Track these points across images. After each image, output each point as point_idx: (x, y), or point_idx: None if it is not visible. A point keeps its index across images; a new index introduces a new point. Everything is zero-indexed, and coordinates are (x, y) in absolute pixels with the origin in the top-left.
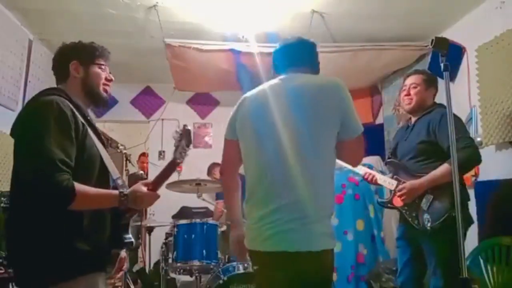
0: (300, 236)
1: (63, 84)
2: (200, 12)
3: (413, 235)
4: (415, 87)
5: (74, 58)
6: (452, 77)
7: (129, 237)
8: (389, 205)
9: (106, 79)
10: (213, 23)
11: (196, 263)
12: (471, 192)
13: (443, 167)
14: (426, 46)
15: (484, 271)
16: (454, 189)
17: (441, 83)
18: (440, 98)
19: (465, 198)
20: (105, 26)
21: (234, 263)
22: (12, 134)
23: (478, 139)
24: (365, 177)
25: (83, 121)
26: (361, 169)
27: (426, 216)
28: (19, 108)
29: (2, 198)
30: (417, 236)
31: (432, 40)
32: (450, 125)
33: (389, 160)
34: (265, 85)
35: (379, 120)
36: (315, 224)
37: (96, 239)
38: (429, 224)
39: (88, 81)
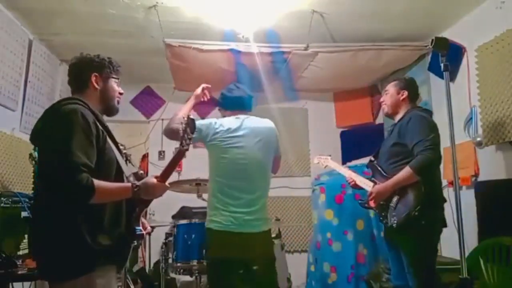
0: None
1: (80, 94)
2: (200, 12)
3: (390, 234)
4: (386, 93)
5: (95, 71)
6: (452, 77)
7: (140, 229)
8: (366, 205)
9: (119, 92)
10: (213, 23)
11: (196, 263)
12: (471, 192)
13: (404, 170)
14: (426, 46)
15: (484, 271)
16: (454, 189)
17: (441, 83)
18: (440, 98)
19: (436, 199)
20: (105, 26)
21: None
22: (35, 139)
23: (478, 139)
24: (348, 181)
25: (102, 128)
26: (346, 172)
27: (393, 215)
28: (19, 108)
29: (2, 198)
30: (392, 235)
31: (432, 40)
32: (450, 125)
33: (369, 162)
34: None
35: (379, 120)
36: None
37: (116, 234)
38: (394, 223)
39: (106, 94)
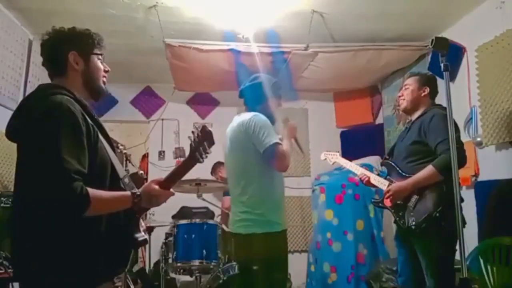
0: None
1: (60, 78)
2: (200, 12)
3: (405, 235)
4: (407, 88)
5: (73, 48)
6: (452, 77)
7: (141, 235)
8: (380, 204)
9: (104, 70)
10: (213, 23)
11: (196, 263)
12: (471, 192)
13: (427, 169)
14: (426, 46)
15: (484, 271)
16: (455, 189)
17: (441, 83)
18: (440, 98)
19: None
20: (105, 26)
21: (234, 263)
22: (15, 135)
23: (478, 139)
24: (361, 178)
25: (92, 123)
26: (358, 170)
27: (411, 215)
28: None
29: (2, 198)
30: (408, 236)
31: (432, 40)
32: (451, 125)
33: (384, 160)
34: None
35: (379, 120)
36: None
37: (114, 245)
38: (413, 224)
39: (88, 75)
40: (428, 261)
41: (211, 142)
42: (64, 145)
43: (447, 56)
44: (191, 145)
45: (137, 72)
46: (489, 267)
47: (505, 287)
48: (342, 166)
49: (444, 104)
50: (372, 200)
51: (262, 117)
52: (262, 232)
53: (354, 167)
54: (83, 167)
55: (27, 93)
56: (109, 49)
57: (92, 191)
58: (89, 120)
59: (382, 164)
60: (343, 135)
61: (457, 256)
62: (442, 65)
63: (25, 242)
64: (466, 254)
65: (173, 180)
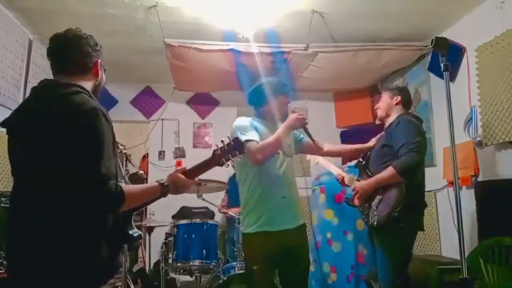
0: None
1: (79, 78)
2: (200, 12)
3: (370, 233)
4: (381, 99)
5: (99, 57)
6: (452, 77)
7: (136, 231)
8: (351, 203)
9: None
10: (213, 23)
11: (196, 263)
12: (471, 192)
13: (387, 170)
14: (426, 46)
15: (484, 271)
16: (454, 189)
17: (441, 83)
18: (440, 98)
19: (417, 202)
20: (105, 26)
21: (234, 263)
22: (28, 128)
23: (478, 139)
24: (337, 178)
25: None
26: (335, 170)
27: (374, 214)
28: None
29: (2, 198)
30: (372, 234)
31: (432, 40)
32: (450, 125)
33: (357, 162)
34: None
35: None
36: None
37: (116, 242)
38: (375, 222)
39: (100, 84)
40: (384, 258)
41: (241, 153)
42: (104, 151)
43: (447, 56)
44: (221, 148)
45: (137, 72)
46: (489, 267)
47: (505, 287)
48: (323, 166)
49: (444, 104)
50: (344, 199)
51: (240, 119)
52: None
53: (332, 167)
54: (114, 170)
55: (27, 93)
56: (109, 49)
57: (125, 187)
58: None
59: (355, 166)
60: (343, 135)
61: (457, 256)
62: (442, 65)
63: (30, 240)
64: (466, 254)
65: (196, 172)
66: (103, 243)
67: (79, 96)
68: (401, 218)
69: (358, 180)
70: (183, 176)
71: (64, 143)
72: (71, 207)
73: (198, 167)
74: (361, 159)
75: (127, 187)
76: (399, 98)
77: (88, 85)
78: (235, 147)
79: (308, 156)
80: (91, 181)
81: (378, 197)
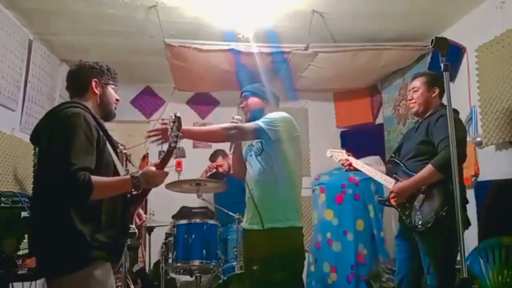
0: None
1: (80, 98)
2: (200, 12)
3: (410, 234)
4: (416, 91)
5: (95, 77)
6: (452, 77)
7: (133, 227)
8: (387, 203)
9: (116, 98)
10: (213, 23)
11: (196, 263)
12: (471, 192)
13: (426, 168)
14: (426, 46)
15: (484, 271)
16: (454, 188)
17: None
18: None
19: (460, 198)
20: (105, 26)
21: (234, 263)
22: (36, 140)
23: (478, 139)
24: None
25: (102, 133)
26: (363, 168)
27: (417, 215)
28: (19, 108)
29: (2, 198)
30: (412, 235)
31: (432, 40)
32: (451, 125)
33: (390, 158)
34: None
35: (379, 120)
36: None
37: (112, 233)
38: (420, 223)
39: (104, 99)
40: (433, 261)
41: (179, 125)
42: (76, 145)
43: (447, 56)
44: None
45: (137, 72)
46: (489, 267)
47: (505, 287)
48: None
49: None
50: (378, 199)
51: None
52: None
53: (360, 165)
54: (91, 165)
55: (27, 93)
56: (109, 49)
57: (94, 178)
58: (99, 130)
59: (387, 162)
60: (343, 135)
61: (457, 256)
62: (442, 65)
63: (38, 225)
64: (466, 254)
65: (162, 163)
66: (94, 230)
67: (72, 108)
68: (447, 218)
69: (395, 178)
70: (153, 168)
71: (49, 145)
72: (53, 198)
73: (163, 157)
74: (393, 155)
75: (97, 178)
76: (437, 90)
77: (88, 103)
78: (174, 121)
79: (329, 153)
80: (61, 171)
81: (421, 196)
